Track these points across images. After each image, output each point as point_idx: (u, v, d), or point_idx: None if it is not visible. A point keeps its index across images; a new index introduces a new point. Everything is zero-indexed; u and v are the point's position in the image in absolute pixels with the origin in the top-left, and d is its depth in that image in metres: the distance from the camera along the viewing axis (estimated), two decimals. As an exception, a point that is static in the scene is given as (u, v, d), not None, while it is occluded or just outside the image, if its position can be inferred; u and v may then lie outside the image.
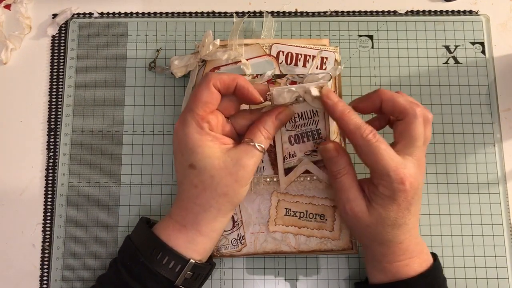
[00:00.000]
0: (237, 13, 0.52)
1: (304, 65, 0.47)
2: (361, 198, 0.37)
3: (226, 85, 0.36)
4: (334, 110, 0.37)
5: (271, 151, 0.44)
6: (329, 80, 0.38)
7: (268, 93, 0.38)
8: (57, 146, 0.49)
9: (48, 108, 0.50)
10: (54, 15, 0.52)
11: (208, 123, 0.36)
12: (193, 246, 0.37)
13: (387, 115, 0.41)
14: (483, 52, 0.51)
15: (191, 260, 0.36)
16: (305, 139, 0.41)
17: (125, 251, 0.39)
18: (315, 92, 0.38)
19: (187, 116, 0.36)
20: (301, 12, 0.53)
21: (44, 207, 0.48)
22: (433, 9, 0.52)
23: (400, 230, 0.37)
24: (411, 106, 0.37)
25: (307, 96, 0.39)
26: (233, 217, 0.44)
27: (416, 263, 0.38)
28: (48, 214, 0.48)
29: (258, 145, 0.37)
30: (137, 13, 0.52)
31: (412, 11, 0.52)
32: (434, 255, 0.40)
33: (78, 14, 0.52)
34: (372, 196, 0.37)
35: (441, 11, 0.52)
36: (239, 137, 0.40)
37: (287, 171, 0.43)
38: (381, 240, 0.38)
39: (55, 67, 0.51)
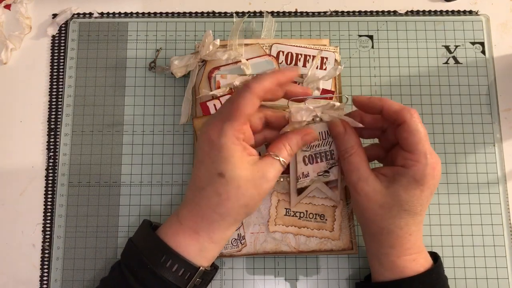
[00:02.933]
0: (237, 13, 0.52)
1: (304, 65, 0.47)
2: (373, 176, 0.37)
3: (269, 91, 0.36)
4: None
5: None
6: (342, 109, 0.40)
7: (287, 110, 0.39)
8: (57, 146, 0.49)
9: (48, 108, 0.50)
10: (54, 15, 0.52)
11: (243, 134, 0.36)
12: (204, 254, 0.37)
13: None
14: (483, 52, 0.51)
15: (201, 268, 0.36)
16: (318, 159, 0.41)
17: (130, 255, 0.38)
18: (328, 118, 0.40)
19: (225, 127, 0.35)
20: (301, 12, 0.53)
21: (44, 207, 0.48)
22: (433, 9, 0.52)
23: (413, 219, 0.37)
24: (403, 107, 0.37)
25: (324, 116, 0.40)
26: (233, 217, 0.44)
27: (422, 259, 0.38)
28: (48, 214, 0.48)
29: (282, 160, 0.37)
30: (137, 13, 0.52)
31: (412, 11, 0.52)
32: (435, 254, 0.40)
33: (78, 14, 0.52)
34: (395, 176, 0.37)
35: (441, 11, 0.52)
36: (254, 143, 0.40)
37: (299, 190, 0.43)
38: (392, 226, 0.37)
39: (55, 67, 0.51)
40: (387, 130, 0.40)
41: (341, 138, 0.39)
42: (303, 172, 0.41)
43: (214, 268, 0.40)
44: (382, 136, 0.41)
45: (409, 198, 0.36)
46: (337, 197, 0.43)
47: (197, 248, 0.37)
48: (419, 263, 0.38)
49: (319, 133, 0.41)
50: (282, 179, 0.44)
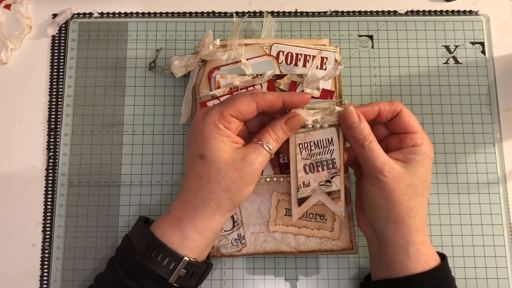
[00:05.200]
0: (237, 13, 0.52)
1: (304, 65, 0.47)
2: (393, 160, 0.38)
3: (272, 104, 0.38)
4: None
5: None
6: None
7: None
8: (57, 146, 0.49)
9: (48, 108, 0.50)
10: (54, 15, 0.52)
11: (228, 123, 0.37)
12: (187, 243, 0.37)
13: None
14: (483, 52, 0.51)
15: (185, 258, 0.36)
16: (319, 168, 0.41)
17: (121, 249, 0.39)
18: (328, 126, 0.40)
19: (213, 109, 0.37)
20: (301, 12, 0.53)
21: (44, 207, 0.48)
22: (433, 9, 0.53)
23: (427, 196, 0.39)
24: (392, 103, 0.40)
25: (324, 122, 0.40)
26: (233, 217, 0.44)
27: (432, 251, 0.39)
28: (48, 214, 0.48)
29: (265, 145, 0.37)
30: (137, 13, 0.52)
31: (412, 11, 0.52)
32: (442, 255, 0.40)
33: (78, 14, 0.52)
34: (409, 156, 0.38)
35: (441, 11, 0.52)
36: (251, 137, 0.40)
37: (301, 201, 0.42)
38: (418, 206, 0.38)
39: (55, 67, 0.51)
40: (374, 126, 0.41)
41: (356, 126, 0.38)
42: (304, 182, 0.41)
43: (205, 263, 0.39)
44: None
45: (426, 173, 0.38)
46: (342, 211, 0.41)
47: (180, 236, 0.37)
48: (432, 258, 0.38)
49: (320, 140, 0.40)
50: (282, 179, 0.44)
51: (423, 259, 0.38)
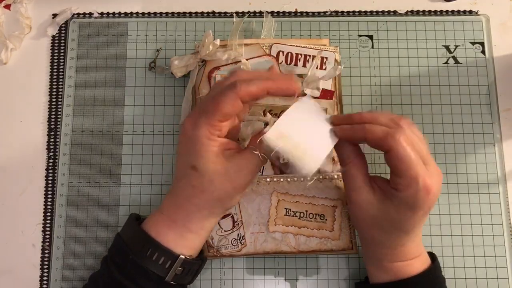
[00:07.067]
0: (237, 13, 0.52)
1: (304, 65, 0.47)
2: (368, 188, 0.36)
3: (256, 96, 0.35)
4: (355, 120, 0.36)
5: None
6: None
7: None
8: (57, 146, 0.49)
9: (48, 108, 0.50)
10: (54, 15, 0.52)
11: (219, 130, 0.36)
12: (183, 242, 0.37)
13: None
14: (483, 52, 0.51)
15: (181, 256, 0.36)
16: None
17: (115, 248, 0.39)
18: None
19: (200, 120, 0.35)
20: (301, 12, 0.53)
21: (44, 207, 0.48)
22: (433, 9, 0.52)
23: (406, 234, 0.36)
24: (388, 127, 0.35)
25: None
26: (233, 217, 0.44)
27: (418, 262, 0.38)
28: (48, 214, 0.48)
29: (261, 155, 0.37)
30: (137, 13, 0.52)
31: (412, 11, 0.52)
32: (432, 255, 0.40)
33: (78, 14, 0.52)
34: (387, 194, 0.35)
35: (441, 11, 0.52)
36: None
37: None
38: (383, 238, 0.37)
39: (55, 67, 0.51)
40: None
41: (339, 148, 0.37)
42: None
43: (200, 259, 0.39)
44: None
45: (400, 218, 0.35)
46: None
47: (175, 236, 0.37)
48: (415, 267, 0.38)
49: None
50: (282, 179, 0.44)
51: (393, 273, 0.38)
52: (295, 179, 0.43)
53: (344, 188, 0.38)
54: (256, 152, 0.36)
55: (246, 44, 0.47)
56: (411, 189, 0.33)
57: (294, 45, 0.47)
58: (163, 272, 0.36)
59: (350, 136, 0.36)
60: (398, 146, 0.33)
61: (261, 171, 0.44)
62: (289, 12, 0.53)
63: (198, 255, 0.39)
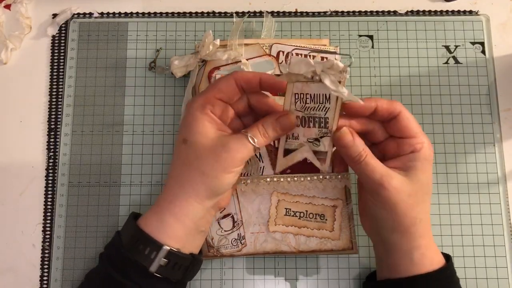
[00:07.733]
0: (237, 13, 0.52)
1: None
2: (391, 170, 0.37)
3: (249, 80, 0.38)
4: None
5: (271, 151, 0.44)
6: (345, 71, 0.37)
7: (287, 59, 0.39)
8: (57, 146, 0.49)
9: (48, 108, 0.50)
10: (54, 15, 0.52)
11: (212, 106, 0.37)
12: (165, 229, 0.36)
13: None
14: (483, 52, 0.51)
15: (165, 246, 0.36)
16: (311, 124, 0.39)
17: (109, 244, 0.39)
18: (329, 83, 0.37)
19: (197, 96, 0.38)
20: (301, 12, 0.53)
21: (44, 207, 0.48)
22: (433, 9, 0.52)
23: (429, 201, 0.38)
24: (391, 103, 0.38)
25: (324, 75, 0.37)
26: (233, 217, 0.44)
27: (437, 255, 0.39)
28: (48, 214, 0.48)
29: (250, 136, 0.37)
30: (137, 13, 0.52)
31: (412, 11, 0.52)
32: (447, 256, 0.40)
33: (78, 14, 0.52)
34: (407, 164, 0.37)
35: (441, 11, 0.52)
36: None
37: (287, 152, 0.41)
38: (421, 214, 0.37)
39: (55, 67, 0.51)
40: (373, 129, 0.40)
41: (351, 146, 0.38)
42: (293, 134, 0.40)
43: (190, 255, 0.38)
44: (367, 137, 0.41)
45: (427, 179, 0.37)
46: (326, 168, 0.40)
47: (157, 222, 0.37)
48: (436, 260, 0.38)
49: (316, 95, 0.38)
50: (282, 179, 0.44)
51: (428, 262, 0.38)
52: (295, 179, 0.43)
53: (371, 181, 0.37)
54: (246, 134, 0.37)
55: (246, 44, 0.47)
56: (425, 144, 0.37)
57: (294, 45, 0.47)
58: (147, 262, 0.36)
59: (362, 107, 0.38)
60: (404, 109, 0.38)
61: (261, 171, 0.44)
62: (289, 12, 0.53)
63: (192, 252, 0.38)
